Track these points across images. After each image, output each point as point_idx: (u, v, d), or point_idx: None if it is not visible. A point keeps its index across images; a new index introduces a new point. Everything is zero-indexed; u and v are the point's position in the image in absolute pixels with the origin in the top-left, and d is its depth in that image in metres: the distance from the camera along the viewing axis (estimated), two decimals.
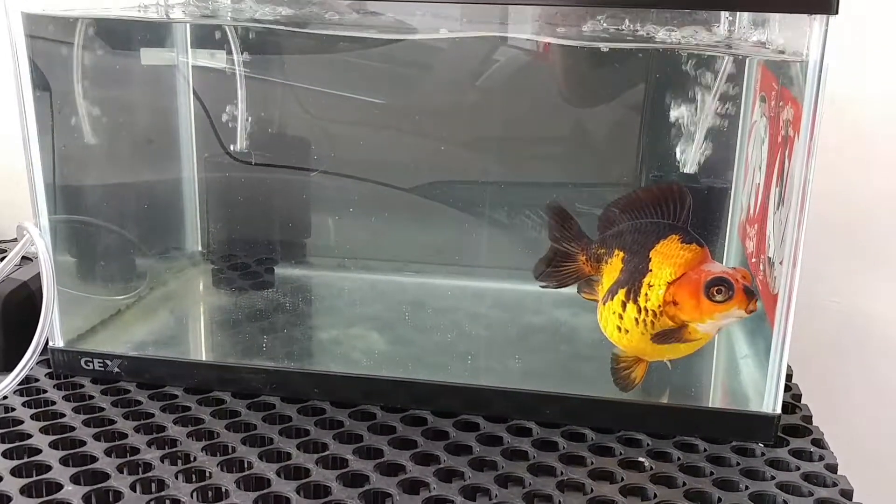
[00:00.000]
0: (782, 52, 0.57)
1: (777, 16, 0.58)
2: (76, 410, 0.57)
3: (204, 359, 0.66)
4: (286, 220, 0.81)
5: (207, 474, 0.50)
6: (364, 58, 0.75)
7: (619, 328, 0.56)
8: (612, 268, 0.58)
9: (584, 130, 0.78)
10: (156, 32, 0.74)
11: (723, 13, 0.61)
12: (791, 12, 0.50)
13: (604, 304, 0.58)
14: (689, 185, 0.69)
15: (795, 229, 0.52)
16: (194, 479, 0.50)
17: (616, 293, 0.56)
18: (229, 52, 0.75)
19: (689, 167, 0.69)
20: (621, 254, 0.57)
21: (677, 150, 0.70)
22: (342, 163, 0.78)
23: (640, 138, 0.75)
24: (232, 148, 0.77)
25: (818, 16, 0.48)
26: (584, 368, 0.65)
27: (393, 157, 0.78)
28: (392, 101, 0.77)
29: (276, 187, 0.79)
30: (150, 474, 0.50)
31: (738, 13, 0.61)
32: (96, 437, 0.54)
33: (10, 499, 0.47)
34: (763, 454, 0.54)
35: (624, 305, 0.56)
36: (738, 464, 0.53)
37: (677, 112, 0.69)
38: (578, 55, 0.73)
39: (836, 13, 0.48)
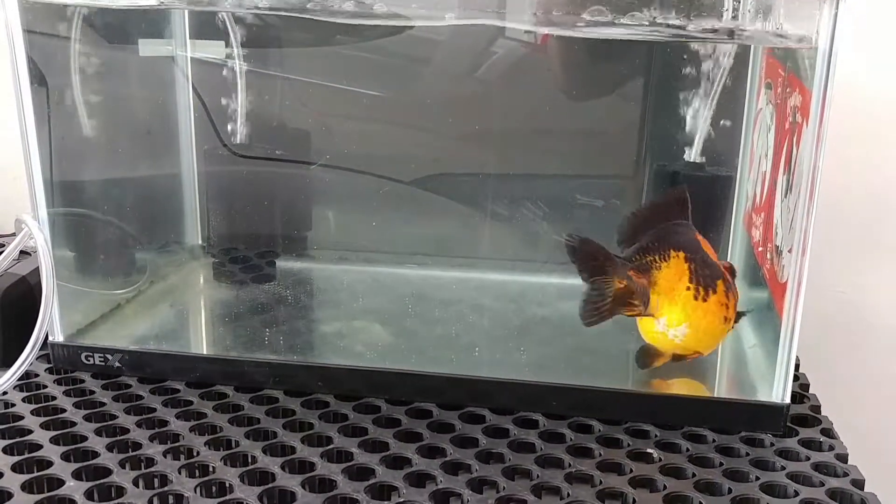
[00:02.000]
0: (789, 38, 0.57)
1: (782, 1, 0.57)
2: (77, 406, 0.57)
3: (205, 353, 0.65)
4: (287, 212, 0.80)
5: (211, 469, 0.50)
6: (363, 50, 0.75)
7: (726, 318, 0.57)
8: (673, 268, 0.57)
9: (587, 121, 0.77)
10: (154, 23, 0.73)
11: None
12: None
13: (704, 299, 0.57)
14: (694, 173, 0.68)
15: (804, 217, 0.52)
16: (198, 474, 0.49)
17: (716, 287, 0.57)
18: (228, 45, 0.74)
19: (694, 156, 0.69)
20: (681, 253, 0.57)
21: (681, 140, 0.69)
22: (342, 155, 0.77)
23: (644, 128, 0.74)
24: (231, 140, 0.76)
25: None
26: (589, 360, 0.65)
27: (392, 150, 0.77)
28: (391, 93, 0.76)
29: (276, 180, 0.79)
30: (152, 469, 0.49)
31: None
32: (97, 433, 0.53)
33: (10, 495, 0.46)
34: (772, 444, 0.54)
35: (728, 296, 0.57)
36: (747, 454, 0.53)
37: (681, 101, 0.68)
38: (579, 45, 0.72)
39: None
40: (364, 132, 0.77)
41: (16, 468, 0.49)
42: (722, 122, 0.68)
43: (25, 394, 0.58)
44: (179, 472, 0.49)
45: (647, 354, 0.60)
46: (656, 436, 0.55)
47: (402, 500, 0.47)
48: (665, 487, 0.49)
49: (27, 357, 0.55)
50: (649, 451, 0.53)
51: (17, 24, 0.57)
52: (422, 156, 0.78)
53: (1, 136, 0.72)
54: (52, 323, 0.61)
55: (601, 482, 0.49)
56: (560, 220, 0.76)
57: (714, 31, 0.58)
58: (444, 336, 0.67)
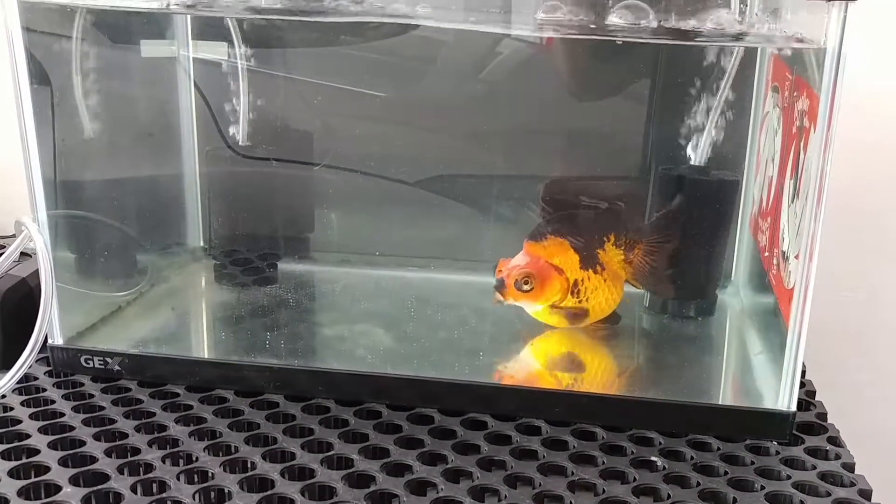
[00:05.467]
0: (799, 41, 0.56)
1: (789, 4, 0.57)
2: (76, 409, 0.56)
3: (206, 356, 0.64)
4: (289, 214, 0.80)
5: (210, 475, 0.49)
6: (367, 50, 0.74)
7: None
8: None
9: (592, 123, 0.76)
10: (156, 24, 0.73)
11: (734, 1, 0.60)
12: None
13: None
14: (699, 177, 0.68)
15: (812, 223, 0.51)
16: (196, 480, 0.49)
17: None
18: (231, 45, 0.74)
19: (700, 160, 0.68)
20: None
21: (687, 143, 0.68)
22: (345, 156, 0.76)
23: (649, 131, 0.74)
24: (234, 141, 0.76)
25: (836, 2, 0.47)
26: (593, 365, 0.64)
27: (396, 151, 0.77)
28: (395, 94, 0.76)
29: (279, 181, 0.78)
30: (151, 475, 0.49)
31: (749, 2, 0.60)
32: (96, 437, 0.53)
33: (7, 501, 0.46)
34: (778, 453, 0.53)
35: None
36: (752, 463, 0.52)
37: (687, 104, 0.68)
38: (584, 47, 0.72)
39: None
40: (368, 133, 0.77)
41: (12, 473, 0.48)
42: (728, 125, 0.67)
43: (24, 397, 0.58)
44: (178, 478, 0.48)
45: None
46: (660, 443, 0.54)
47: None
48: (669, 496, 0.48)
49: (26, 360, 0.55)
50: (653, 458, 0.52)
51: (17, 24, 0.56)
52: (426, 157, 0.78)
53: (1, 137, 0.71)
54: (51, 325, 0.60)
55: (604, 490, 0.49)
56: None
57: (720, 33, 0.58)
58: (446, 340, 0.66)
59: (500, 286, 0.62)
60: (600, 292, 0.64)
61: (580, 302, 0.64)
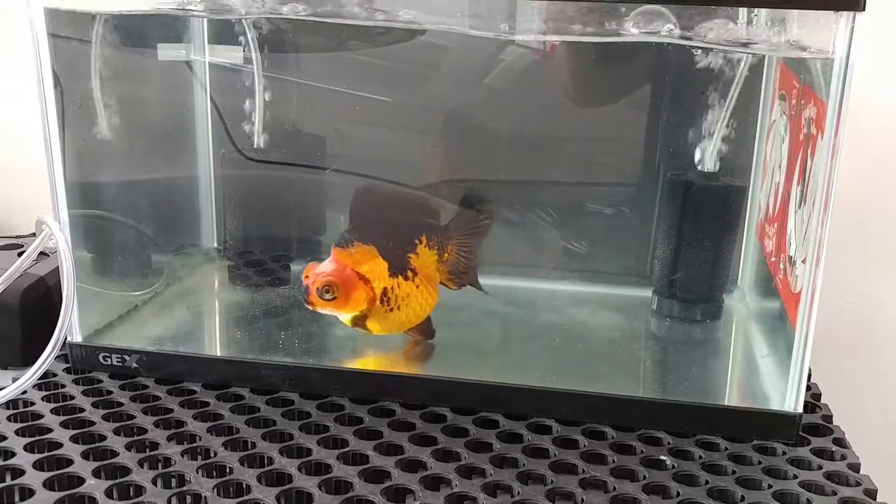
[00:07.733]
0: (805, 50, 0.57)
1: (796, 13, 0.58)
2: (95, 405, 0.57)
3: (222, 355, 0.65)
4: (301, 216, 0.81)
5: (228, 469, 0.50)
6: (375, 56, 0.75)
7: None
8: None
9: (600, 129, 0.77)
10: (173, 28, 0.74)
11: (741, 10, 0.61)
12: (818, 9, 0.50)
13: None
14: (707, 183, 0.69)
15: (819, 228, 0.52)
16: (215, 475, 0.50)
17: None
18: (246, 50, 0.75)
19: (707, 166, 0.69)
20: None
21: (695, 149, 0.69)
22: (354, 161, 0.77)
23: (658, 137, 0.75)
24: (248, 144, 0.77)
25: (845, 13, 0.48)
26: (600, 366, 0.65)
27: (402, 156, 0.78)
28: (402, 99, 0.77)
29: (291, 184, 0.79)
30: (171, 469, 0.50)
31: (756, 10, 0.61)
32: (116, 432, 0.54)
33: (33, 492, 0.47)
34: (784, 453, 0.54)
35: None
36: (759, 462, 0.53)
37: (695, 111, 0.69)
38: (590, 53, 0.73)
39: (864, 10, 0.47)
40: (375, 137, 0.78)
41: (37, 465, 0.50)
42: (736, 132, 0.68)
43: (44, 393, 0.59)
44: (197, 472, 0.49)
45: None
46: (669, 443, 0.55)
47: (417, 502, 0.47)
48: (678, 494, 0.49)
49: (48, 357, 0.56)
50: (662, 457, 0.53)
51: (43, 31, 0.57)
52: (431, 161, 0.78)
53: (20, 138, 0.72)
54: (70, 323, 0.61)
55: (615, 488, 0.50)
56: (571, 227, 0.77)
57: (728, 41, 0.59)
58: (455, 341, 0.67)
59: (305, 293, 0.60)
60: (413, 299, 0.62)
61: (391, 310, 0.62)
